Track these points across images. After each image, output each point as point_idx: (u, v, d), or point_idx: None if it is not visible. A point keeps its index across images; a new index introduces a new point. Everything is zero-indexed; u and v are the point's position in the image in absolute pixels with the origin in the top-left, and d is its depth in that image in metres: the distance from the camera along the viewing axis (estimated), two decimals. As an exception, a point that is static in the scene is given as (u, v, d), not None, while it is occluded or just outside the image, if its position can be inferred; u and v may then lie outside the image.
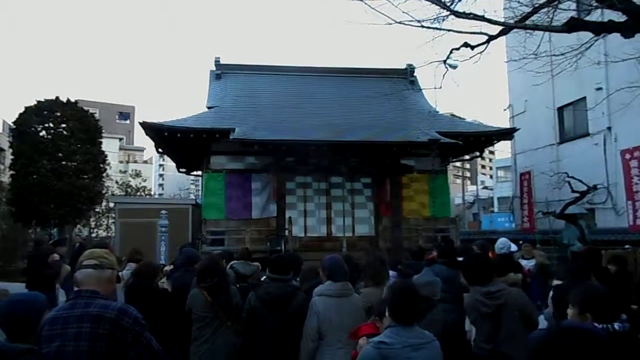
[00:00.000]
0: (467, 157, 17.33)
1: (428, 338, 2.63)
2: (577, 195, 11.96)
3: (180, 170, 18.12)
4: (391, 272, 5.48)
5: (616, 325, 2.84)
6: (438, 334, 3.29)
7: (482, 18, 7.26)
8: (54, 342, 2.26)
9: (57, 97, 18.10)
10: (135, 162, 58.53)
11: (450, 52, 8.07)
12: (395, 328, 2.59)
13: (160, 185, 65.18)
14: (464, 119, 26.83)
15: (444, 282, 4.83)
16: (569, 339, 1.75)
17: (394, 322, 2.62)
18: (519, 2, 7.74)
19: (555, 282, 3.63)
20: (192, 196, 34.69)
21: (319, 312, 3.63)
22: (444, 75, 8.44)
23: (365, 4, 7.38)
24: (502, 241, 6.07)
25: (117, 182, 29.58)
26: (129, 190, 30.19)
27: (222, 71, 16.71)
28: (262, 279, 5.01)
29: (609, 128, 13.61)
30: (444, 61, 8.21)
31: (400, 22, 7.50)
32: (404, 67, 17.58)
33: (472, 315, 3.76)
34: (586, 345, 1.78)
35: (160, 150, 14.75)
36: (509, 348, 3.50)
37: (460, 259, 5.32)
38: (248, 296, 4.10)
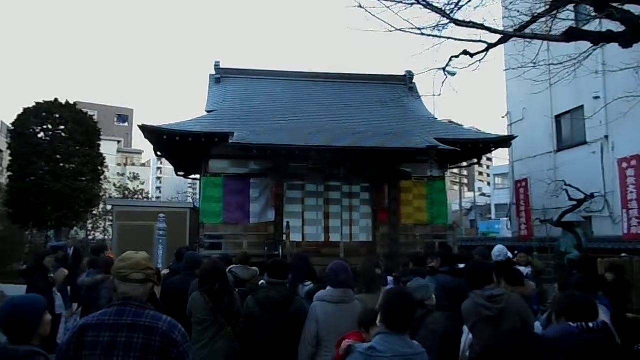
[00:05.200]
0: (464, 164, 17.37)
1: (417, 349, 2.58)
2: (574, 203, 11.99)
3: (178, 173, 18.10)
4: (389, 279, 5.50)
5: (590, 323, 2.86)
6: (438, 343, 3.29)
7: (481, 26, 7.33)
8: (99, 349, 2.16)
9: (55, 99, 18.11)
10: (133, 164, 58.53)
11: (450, 60, 8.11)
12: (386, 335, 2.54)
13: (158, 188, 65.18)
14: (462, 126, 26.91)
15: (448, 291, 4.81)
16: (510, 340, 1.74)
17: (386, 328, 2.57)
18: (518, 11, 7.81)
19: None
20: (189, 200, 34.66)
21: (318, 317, 3.64)
22: (443, 83, 8.48)
23: (367, 11, 7.44)
24: (498, 249, 6.02)
25: (114, 185, 29.58)
26: (126, 193, 30.19)
27: (222, 75, 16.72)
28: (260, 283, 5.02)
29: (607, 137, 13.67)
30: (443, 68, 8.25)
31: (400, 30, 7.56)
32: (403, 73, 17.62)
33: (470, 321, 3.76)
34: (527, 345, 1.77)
35: (158, 153, 14.72)
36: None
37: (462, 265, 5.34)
38: (246, 300, 4.09)
